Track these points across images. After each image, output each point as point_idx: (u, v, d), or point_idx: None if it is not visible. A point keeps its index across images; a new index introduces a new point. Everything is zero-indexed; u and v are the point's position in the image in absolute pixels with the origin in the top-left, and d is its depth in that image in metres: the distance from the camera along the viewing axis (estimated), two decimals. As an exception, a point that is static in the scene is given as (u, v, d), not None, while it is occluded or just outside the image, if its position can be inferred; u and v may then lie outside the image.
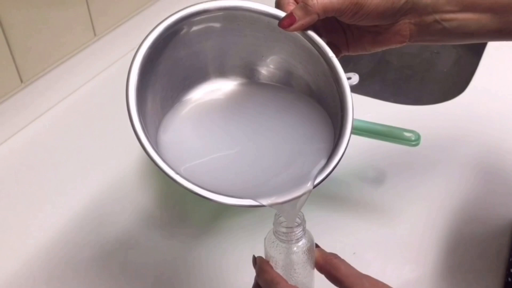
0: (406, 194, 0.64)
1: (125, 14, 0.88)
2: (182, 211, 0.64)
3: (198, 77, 0.48)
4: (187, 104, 0.47)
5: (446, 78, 1.04)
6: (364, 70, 1.07)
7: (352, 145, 0.67)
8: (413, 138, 0.62)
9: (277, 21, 0.45)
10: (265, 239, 0.42)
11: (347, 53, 0.51)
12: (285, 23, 0.44)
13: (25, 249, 0.60)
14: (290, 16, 0.44)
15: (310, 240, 0.41)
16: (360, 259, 0.57)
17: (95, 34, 0.84)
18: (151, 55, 0.42)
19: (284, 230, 0.40)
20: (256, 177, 0.42)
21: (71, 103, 0.81)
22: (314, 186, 0.39)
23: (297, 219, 0.40)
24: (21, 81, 0.74)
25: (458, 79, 0.97)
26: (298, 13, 0.44)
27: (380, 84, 1.03)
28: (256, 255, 0.43)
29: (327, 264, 0.41)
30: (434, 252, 0.58)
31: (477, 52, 0.90)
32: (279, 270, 0.40)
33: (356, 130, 0.64)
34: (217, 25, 0.46)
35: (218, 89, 0.49)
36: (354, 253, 0.58)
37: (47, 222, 0.63)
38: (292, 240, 0.40)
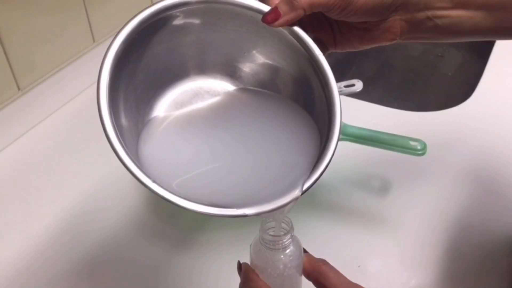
0: (412, 204, 0.63)
1: (125, 19, 0.87)
2: (171, 219, 0.63)
3: (176, 74, 0.46)
4: (167, 113, 0.45)
5: (451, 82, 1.03)
6: (368, 74, 1.06)
7: (356, 154, 0.66)
8: (418, 148, 0.60)
9: (260, 16, 0.42)
10: (250, 246, 0.40)
11: (334, 50, 0.49)
12: (269, 18, 0.42)
13: (16, 250, 0.59)
14: (274, 10, 0.42)
15: (298, 247, 0.40)
16: (365, 272, 0.56)
17: (94, 40, 0.82)
18: (125, 51, 0.39)
19: (270, 238, 0.38)
20: (242, 187, 0.41)
21: (69, 110, 0.80)
22: (302, 193, 0.38)
23: (285, 226, 0.39)
24: (19, 88, 0.73)
25: (463, 83, 0.96)
26: (283, 8, 0.42)
27: (384, 88, 1.02)
28: (241, 261, 0.41)
29: (315, 272, 0.39)
30: (441, 265, 0.56)
31: (483, 55, 0.89)
32: (265, 278, 0.39)
33: (360, 139, 0.62)
34: (197, 18, 0.43)
35: (198, 90, 0.46)
36: (359, 266, 0.56)
37: (39, 227, 0.62)
38: (279, 248, 0.38)
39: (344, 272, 0.56)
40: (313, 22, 0.47)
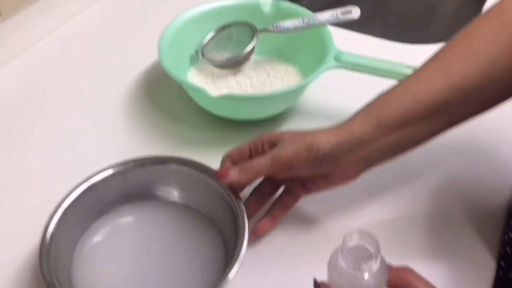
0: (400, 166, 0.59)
1: None
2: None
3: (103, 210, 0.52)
4: (90, 242, 0.50)
5: (450, 22, 1.00)
6: (364, 15, 1.02)
7: (352, 82, 0.64)
8: (416, 75, 0.58)
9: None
10: (329, 264, 0.37)
11: (308, 194, 0.51)
12: (220, 174, 0.49)
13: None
14: (226, 171, 0.48)
15: (384, 265, 0.36)
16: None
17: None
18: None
19: (354, 259, 0.34)
20: None
21: (54, 39, 0.77)
22: None
23: (371, 246, 0.35)
24: (0, 13, 0.69)
25: (462, 23, 0.93)
26: (235, 172, 0.48)
27: (381, 30, 0.99)
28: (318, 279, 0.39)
29: (402, 284, 0.36)
30: (426, 234, 0.53)
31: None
32: None
33: (356, 66, 0.60)
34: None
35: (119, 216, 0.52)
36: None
37: (28, 161, 0.60)
38: (364, 270, 0.35)
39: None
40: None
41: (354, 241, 0.35)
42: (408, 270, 0.37)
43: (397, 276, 0.36)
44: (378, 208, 0.56)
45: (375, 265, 0.35)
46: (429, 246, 0.52)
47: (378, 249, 0.35)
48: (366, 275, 0.35)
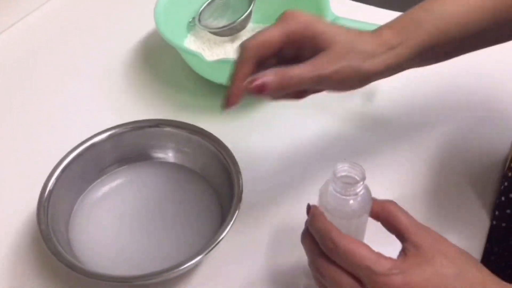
0: (400, 109, 0.62)
1: None
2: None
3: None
4: (90, 198, 0.52)
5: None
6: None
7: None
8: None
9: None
10: (320, 190, 0.40)
11: None
12: (255, 88, 0.38)
13: None
14: (262, 83, 0.38)
15: (368, 193, 0.39)
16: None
17: None
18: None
19: (342, 185, 0.38)
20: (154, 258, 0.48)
21: (51, 8, 0.77)
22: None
23: (358, 174, 0.38)
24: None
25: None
26: (271, 84, 0.39)
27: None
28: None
29: (384, 212, 0.39)
30: (423, 185, 0.55)
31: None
32: (332, 220, 0.39)
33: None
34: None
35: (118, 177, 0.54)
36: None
37: (29, 126, 0.61)
38: (350, 195, 0.38)
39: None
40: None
41: (344, 170, 0.38)
42: (391, 202, 0.39)
43: (380, 206, 0.39)
44: (375, 166, 0.56)
45: (360, 192, 0.38)
46: (425, 202, 0.53)
47: (363, 177, 0.38)
48: (351, 200, 0.38)
